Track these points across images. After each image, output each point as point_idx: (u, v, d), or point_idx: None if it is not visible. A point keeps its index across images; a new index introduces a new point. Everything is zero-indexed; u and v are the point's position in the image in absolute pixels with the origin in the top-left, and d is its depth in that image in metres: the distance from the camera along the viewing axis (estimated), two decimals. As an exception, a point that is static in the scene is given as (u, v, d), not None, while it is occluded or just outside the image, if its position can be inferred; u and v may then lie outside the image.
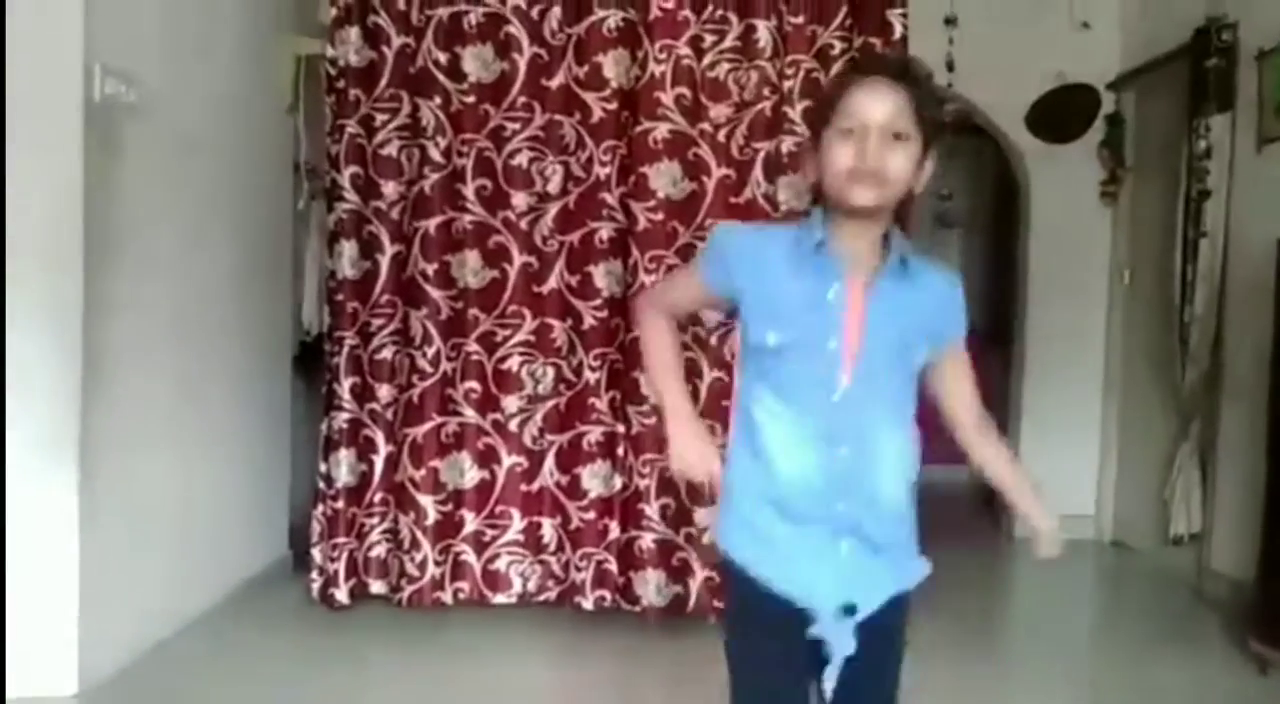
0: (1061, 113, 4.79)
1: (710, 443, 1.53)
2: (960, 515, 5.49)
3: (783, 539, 1.47)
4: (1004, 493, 1.64)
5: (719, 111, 3.40)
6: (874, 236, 1.46)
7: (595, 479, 3.45)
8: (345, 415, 3.51)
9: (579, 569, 3.45)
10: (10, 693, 2.55)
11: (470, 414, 3.45)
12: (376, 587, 3.54)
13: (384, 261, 3.49)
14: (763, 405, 1.48)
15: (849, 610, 1.45)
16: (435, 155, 3.43)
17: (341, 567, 3.50)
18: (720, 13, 3.39)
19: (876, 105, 1.39)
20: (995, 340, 5.62)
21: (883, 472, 1.48)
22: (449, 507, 3.46)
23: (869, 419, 1.46)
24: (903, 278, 1.46)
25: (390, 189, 3.47)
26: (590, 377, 3.45)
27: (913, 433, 1.53)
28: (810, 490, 1.45)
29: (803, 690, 1.47)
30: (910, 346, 1.48)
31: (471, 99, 3.42)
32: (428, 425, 3.45)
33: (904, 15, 3.45)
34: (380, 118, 3.46)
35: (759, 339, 1.47)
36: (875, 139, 1.39)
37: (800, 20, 3.41)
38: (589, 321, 3.44)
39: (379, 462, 3.51)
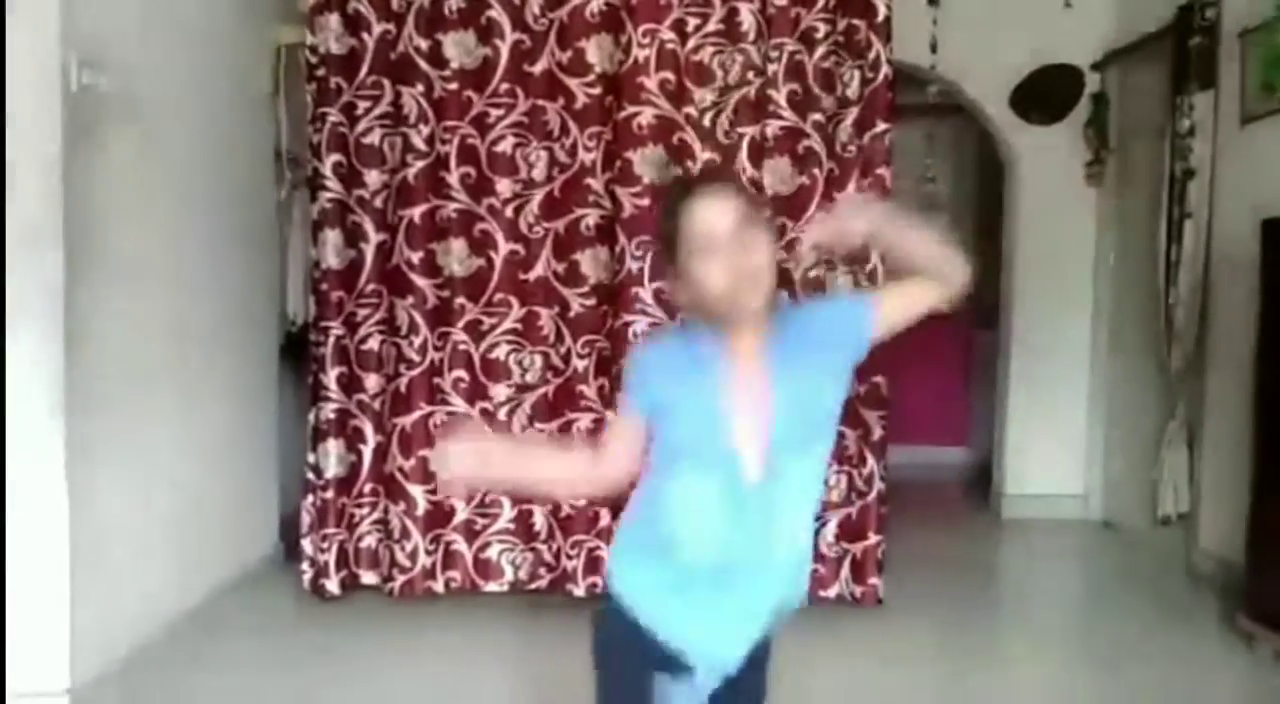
0: (1046, 93, 4.80)
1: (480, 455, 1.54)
2: (949, 496, 5.52)
3: (677, 600, 1.49)
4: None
5: (703, 95, 3.38)
6: (761, 322, 1.48)
7: (585, 466, 3.44)
8: (333, 406, 3.49)
9: (570, 557, 3.45)
10: (3, 689, 2.53)
11: (459, 403, 3.44)
12: (367, 577, 3.53)
13: (369, 251, 3.46)
14: (669, 483, 1.49)
15: (716, 666, 1.50)
16: (418, 143, 3.40)
17: (332, 557, 3.49)
18: (703, -5, 3.37)
19: (718, 217, 1.42)
20: (982, 322, 5.63)
21: (795, 534, 1.51)
22: (439, 496, 3.45)
23: (782, 492, 1.47)
24: (784, 327, 1.48)
25: (373, 177, 3.45)
26: (578, 364, 3.44)
27: (825, 470, 1.57)
28: (710, 564, 1.47)
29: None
30: (822, 388, 1.49)
31: (454, 86, 3.40)
32: (416, 415, 3.44)
33: (888, -3, 3.44)
34: (362, 106, 3.44)
35: (667, 435, 1.49)
36: (733, 247, 1.40)
37: (784, 2, 3.39)
38: (576, 309, 3.43)
39: (368, 452, 3.50)
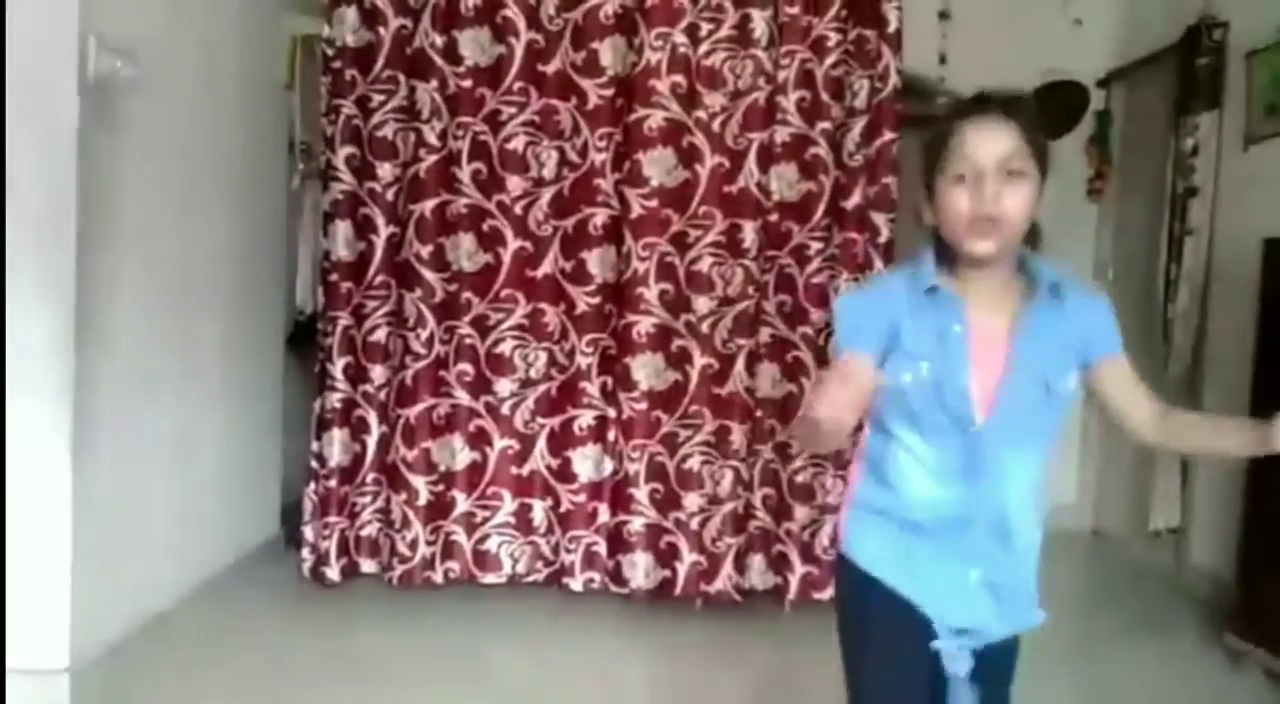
0: (1051, 108, 4.83)
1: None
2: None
3: (914, 553, 1.47)
4: (1227, 437, 1.54)
5: (714, 100, 3.42)
6: (1002, 275, 1.44)
7: (586, 463, 3.48)
8: (338, 395, 3.52)
9: (568, 551, 3.48)
10: (2, 665, 2.56)
11: (463, 396, 3.48)
12: (367, 565, 3.57)
13: (378, 243, 3.50)
14: (895, 438, 1.46)
15: (963, 633, 1.47)
16: (431, 138, 3.44)
17: (333, 545, 3.53)
18: (716, 1, 3.41)
19: (989, 145, 1.36)
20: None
21: (1016, 506, 1.47)
22: (440, 487, 3.49)
23: (1006, 454, 1.44)
24: (1054, 305, 1.44)
25: (386, 171, 3.48)
26: (582, 361, 3.47)
27: (1045, 467, 1.52)
28: (943, 519, 1.45)
29: (924, 693, 1.47)
30: (1059, 377, 1.45)
31: (468, 82, 3.43)
32: (420, 407, 3.47)
33: (898, 8, 3.48)
34: (376, 99, 3.47)
35: (894, 379, 1.41)
36: (991, 182, 1.35)
37: (796, 10, 3.43)
38: (582, 307, 3.47)
39: (371, 442, 3.53)
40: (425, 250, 3.45)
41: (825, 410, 1.24)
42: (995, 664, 1.51)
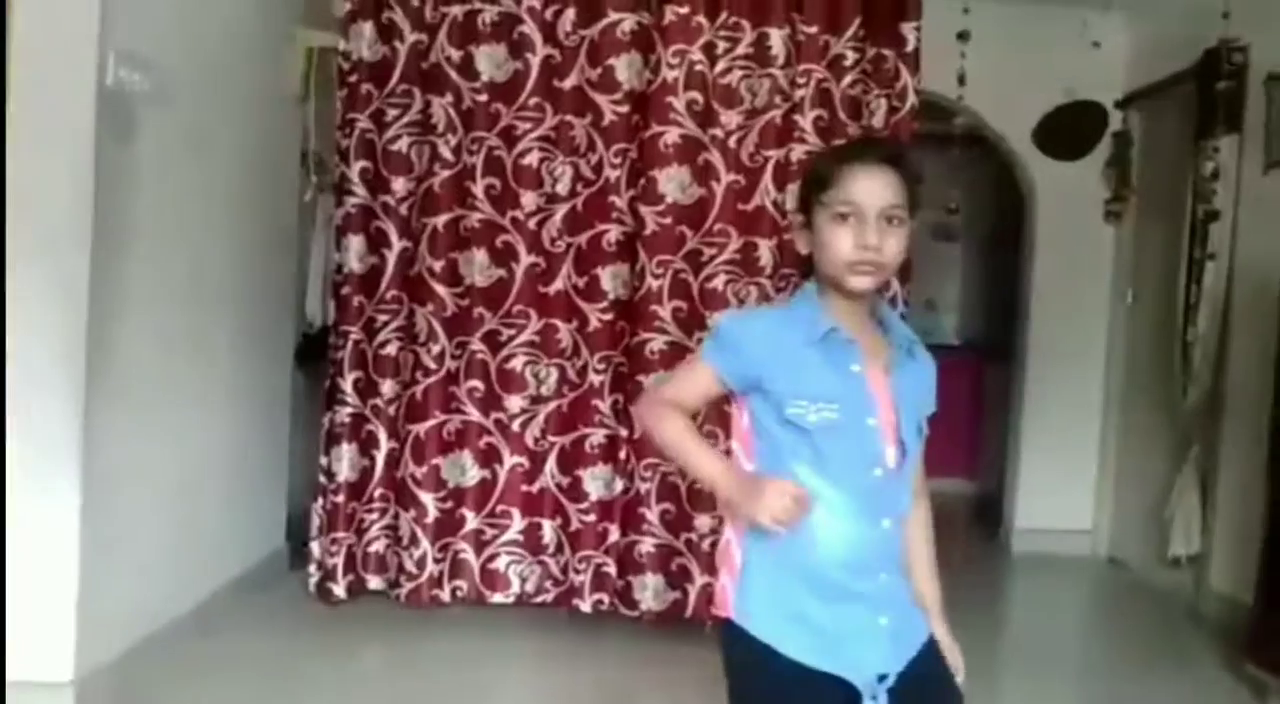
0: (1069, 130, 4.81)
1: (768, 479, 1.42)
2: (955, 528, 5.50)
3: (820, 617, 1.43)
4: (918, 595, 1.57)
5: (730, 118, 3.41)
6: (865, 312, 1.50)
7: (596, 482, 3.45)
8: (348, 410, 3.50)
9: (578, 571, 3.44)
10: (6, 677, 2.53)
11: (473, 413, 3.45)
12: (374, 582, 3.53)
13: (391, 257, 3.49)
14: (798, 483, 1.42)
15: (882, 679, 1.44)
16: (445, 152, 3.43)
17: (340, 561, 3.50)
18: (734, 19, 3.40)
19: (875, 190, 1.41)
20: (996, 355, 5.62)
21: (900, 542, 1.51)
22: (449, 504, 3.46)
23: (904, 491, 1.49)
24: (909, 356, 1.50)
25: (399, 185, 3.48)
26: (594, 379, 3.45)
27: None
28: (854, 565, 1.43)
29: None
30: (922, 419, 1.51)
31: (483, 97, 3.42)
32: (430, 423, 3.45)
33: (917, 29, 3.47)
34: (391, 113, 3.46)
35: (796, 417, 1.42)
36: (874, 225, 1.40)
37: (814, 30, 3.42)
38: (594, 324, 3.44)
39: (380, 457, 3.51)
40: (438, 265, 3.43)
41: (769, 520, 1.34)
42: (928, 676, 1.48)
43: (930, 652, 1.51)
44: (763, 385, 1.45)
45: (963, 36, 4.06)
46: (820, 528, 1.42)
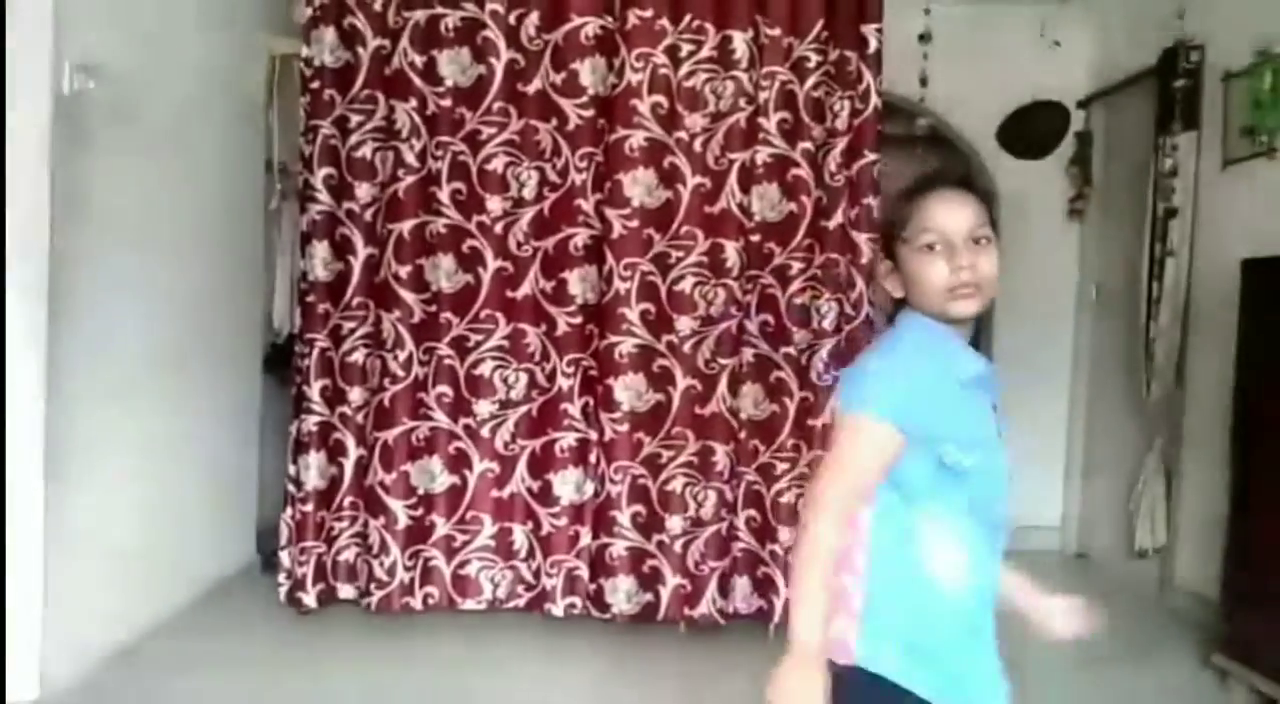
0: (1032, 129, 4.86)
1: (818, 693, 1.32)
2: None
3: (949, 655, 1.42)
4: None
5: (694, 121, 3.42)
6: (965, 337, 1.47)
7: (567, 485, 3.45)
8: (315, 418, 3.48)
9: (549, 575, 3.44)
10: (-33, 696, 2.50)
11: (442, 418, 3.44)
12: (345, 591, 3.51)
13: (356, 264, 3.46)
14: (944, 525, 1.41)
15: None
16: (410, 158, 3.42)
17: (310, 570, 3.47)
18: (697, 23, 3.41)
19: (957, 216, 1.39)
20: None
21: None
22: (419, 511, 3.44)
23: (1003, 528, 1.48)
24: (996, 382, 1.49)
25: (364, 191, 3.46)
26: (563, 383, 3.44)
27: None
28: (983, 603, 1.46)
29: None
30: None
31: (448, 102, 3.42)
32: (399, 429, 3.43)
33: (879, 30, 3.49)
34: (355, 119, 3.45)
35: (954, 461, 1.37)
36: (964, 249, 1.38)
37: (777, 32, 3.44)
38: (563, 327, 3.44)
39: (349, 465, 3.48)
40: (404, 271, 3.42)
41: None
42: None
43: None
44: (922, 428, 1.37)
45: (924, 38, 4.10)
46: (971, 570, 1.43)
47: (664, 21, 3.39)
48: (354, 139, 3.45)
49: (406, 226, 3.42)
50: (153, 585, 3.30)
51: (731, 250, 3.41)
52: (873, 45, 3.49)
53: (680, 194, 3.41)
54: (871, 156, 3.50)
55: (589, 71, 3.42)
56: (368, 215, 3.46)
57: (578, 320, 3.45)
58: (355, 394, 3.48)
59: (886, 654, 1.39)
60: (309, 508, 3.48)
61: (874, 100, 3.50)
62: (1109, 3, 4.61)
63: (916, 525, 1.40)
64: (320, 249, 3.47)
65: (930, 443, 1.37)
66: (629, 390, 3.40)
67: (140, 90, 3.05)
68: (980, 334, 1.48)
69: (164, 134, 3.24)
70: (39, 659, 2.64)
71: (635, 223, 3.39)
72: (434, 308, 3.43)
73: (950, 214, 1.39)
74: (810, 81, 3.45)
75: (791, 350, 3.46)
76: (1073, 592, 1.71)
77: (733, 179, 3.42)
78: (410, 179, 3.41)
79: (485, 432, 3.45)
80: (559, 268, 3.44)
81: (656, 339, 3.40)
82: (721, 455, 3.41)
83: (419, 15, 3.41)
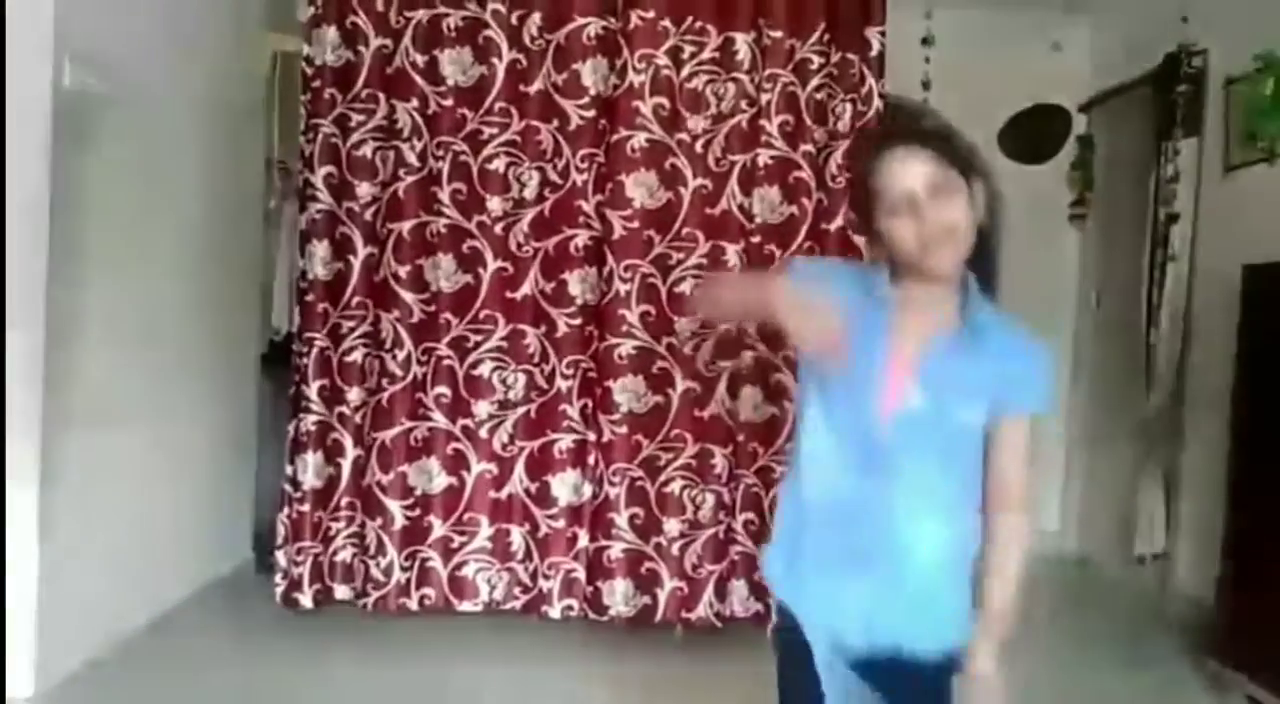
0: (1033, 134, 4.86)
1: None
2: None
3: (807, 565, 1.47)
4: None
5: (696, 122, 3.41)
6: (944, 298, 1.46)
7: (565, 487, 3.43)
8: (313, 418, 3.46)
9: (546, 577, 3.43)
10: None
11: (440, 419, 3.43)
12: (341, 591, 3.49)
13: (356, 263, 3.45)
14: (810, 424, 1.48)
15: (839, 649, 1.43)
16: (411, 158, 3.41)
17: (306, 570, 3.45)
18: (700, 24, 3.40)
19: (912, 172, 1.39)
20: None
21: (919, 525, 1.44)
22: (417, 512, 3.43)
23: (906, 463, 1.43)
24: (970, 338, 1.44)
25: (364, 190, 3.45)
26: (562, 384, 3.43)
27: (973, 508, 1.49)
28: (837, 516, 1.44)
29: None
30: (959, 406, 1.44)
31: (449, 102, 3.41)
32: (397, 430, 3.42)
33: (882, 33, 3.48)
34: (356, 118, 3.43)
35: (820, 366, 1.45)
36: (927, 203, 1.39)
37: (779, 34, 3.43)
38: (562, 328, 3.43)
39: (346, 465, 3.47)
40: (403, 271, 3.41)
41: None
42: (906, 686, 1.44)
43: (929, 670, 1.44)
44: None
45: (926, 41, 4.10)
46: (812, 473, 1.46)
47: (666, 23, 3.38)
48: (355, 138, 3.44)
49: (406, 226, 3.41)
50: (148, 584, 3.29)
51: (732, 252, 3.40)
52: (875, 48, 3.48)
53: (681, 196, 3.40)
54: (873, 160, 3.49)
55: (591, 72, 3.41)
56: (368, 215, 3.45)
57: (577, 321, 3.43)
58: (353, 394, 3.46)
59: (768, 560, 1.56)
60: (306, 508, 3.47)
61: (876, 103, 3.49)
62: (1111, 8, 4.60)
63: (800, 425, 1.51)
64: (320, 248, 3.46)
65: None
66: (628, 392, 3.39)
67: (140, 87, 3.05)
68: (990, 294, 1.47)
69: (164, 131, 3.24)
70: (35, 656, 2.63)
71: (636, 224, 3.38)
72: (433, 308, 3.42)
73: (905, 172, 1.40)
74: (812, 84, 3.44)
75: (792, 353, 3.45)
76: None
77: (734, 181, 3.41)
78: (411, 179, 3.41)
79: (483, 432, 3.44)
80: (559, 269, 3.43)
81: (656, 341, 3.39)
82: (720, 458, 3.40)
83: (421, 15, 3.40)
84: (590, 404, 3.42)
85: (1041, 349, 1.51)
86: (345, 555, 3.49)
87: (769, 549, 1.56)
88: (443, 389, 3.42)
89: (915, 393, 1.42)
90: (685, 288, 3.40)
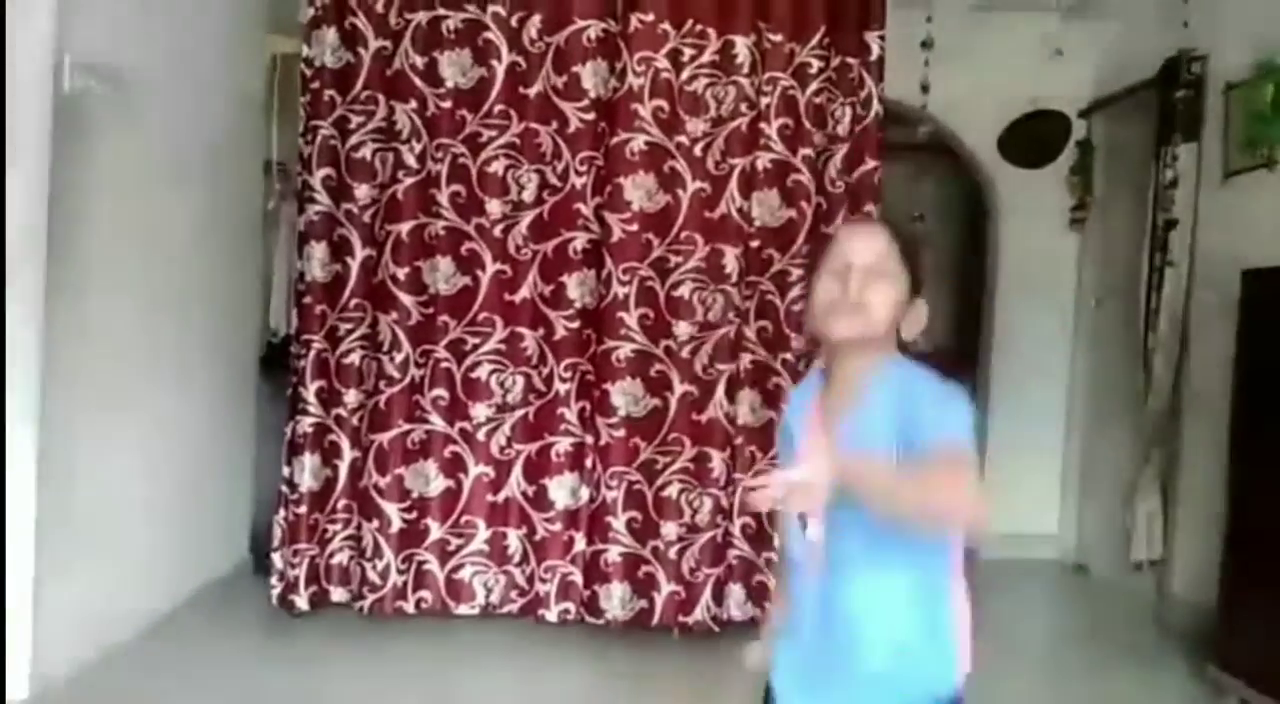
0: (1033, 138, 4.85)
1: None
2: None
3: (784, 657, 1.54)
4: None
5: (695, 125, 3.41)
6: (859, 371, 1.43)
7: (562, 490, 3.43)
8: (310, 420, 3.46)
9: (543, 581, 3.42)
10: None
11: (438, 422, 3.42)
12: (338, 594, 3.49)
13: (354, 265, 3.45)
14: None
15: None
16: (410, 160, 3.40)
17: (302, 573, 3.45)
18: (699, 27, 3.40)
19: (863, 246, 1.44)
20: (961, 362, 5.65)
21: (865, 610, 1.42)
22: (413, 515, 3.42)
23: (844, 552, 1.41)
24: (874, 392, 1.40)
25: (363, 192, 3.44)
26: (560, 387, 3.43)
27: (923, 568, 1.46)
28: (801, 624, 1.49)
29: None
30: (899, 445, 1.37)
31: (448, 104, 3.40)
32: (394, 432, 3.41)
33: (881, 37, 3.49)
34: (355, 120, 3.43)
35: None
36: (858, 275, 1.42)
37: (779, 38, 3.43)
38: (560, 332, 3.43)
39: (344, 467, 3.47)
40: (402, 273, 3.40)
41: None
42: None
43: None
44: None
45: (926, 45, 4.09)
46: (789, 585, 1.54)
47: (666, 26, 3.38)
48: (354, 140, 3.43)
49: (405, 228, 3.40)
50: (145, 586, 3.28)
51: (731, 255, 3.40)
52: (875, 52, 3.48)
53: (680, 199, 3.39)
54: (872, 163, 3.50)
55: (590, 74, 3.41)
56: (366, 216, 3.45)
57: (575, 324, 3.43)
58: (351, 396, 3.46)
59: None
60: (303, 510, 3.46)
61: (875, 107, 3.49)
62: (1111, 13, 4.60)
63: None
64: (318, 250, 3.46)
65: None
66: (626, 395, 3.39)
67: (140, 89, 3.04)
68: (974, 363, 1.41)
69: (163, 133, 3.23)
70: (30, 658, 2.62)
71: (634, 227, 3.38)
72: (431, 310, 3.42)
73: (857, 244, 1.45)
74: (812, 87, 3.44)
75: (790, 356, 3.45)
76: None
77: (733, 184, 3.41)
78: (409, 181, 3.40)
79: (481, 435, 3.43)
80: (557, 271, 3.43)
81: (654, 344, 3.39)
82: (718, 462, 3.40)
83: (421, 17, 3.40)
84: (588, 407, 3.41)
85: (946, 384, 1.42)
86: (342, 558, 3.48)
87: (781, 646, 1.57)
88: (440, 392, 3.42)
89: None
90: (684, 291, 3.40)
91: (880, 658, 1.43)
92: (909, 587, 1.44)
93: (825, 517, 1.41)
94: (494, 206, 3.42)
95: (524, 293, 3.44)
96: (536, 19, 3.41)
